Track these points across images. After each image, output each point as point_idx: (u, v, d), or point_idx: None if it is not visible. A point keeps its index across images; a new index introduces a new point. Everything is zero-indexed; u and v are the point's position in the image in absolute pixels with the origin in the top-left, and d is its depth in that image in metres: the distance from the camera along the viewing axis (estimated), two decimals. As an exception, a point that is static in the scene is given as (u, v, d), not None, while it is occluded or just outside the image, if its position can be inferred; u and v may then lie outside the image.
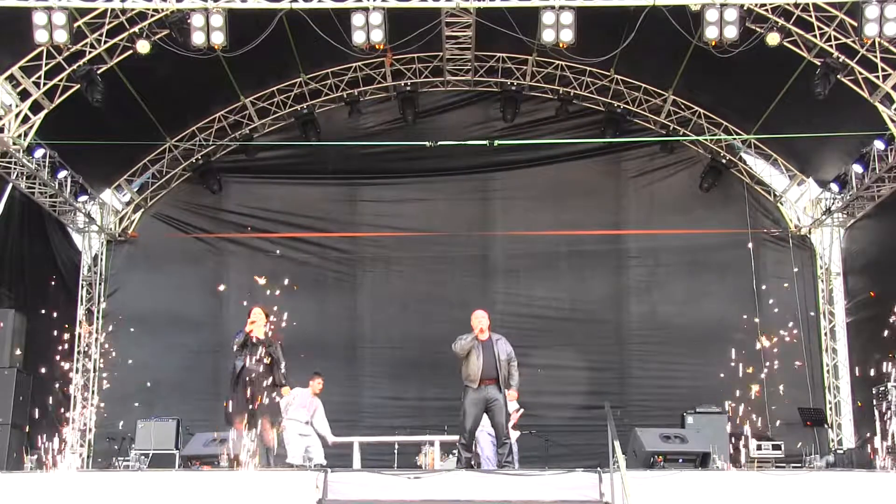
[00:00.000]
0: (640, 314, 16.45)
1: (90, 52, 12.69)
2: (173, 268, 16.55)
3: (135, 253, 16.73)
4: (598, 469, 8.92)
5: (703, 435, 11.93)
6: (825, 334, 16.39)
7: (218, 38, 11.44)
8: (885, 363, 12.89)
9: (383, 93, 16.81)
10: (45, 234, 15.40)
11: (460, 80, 16.67)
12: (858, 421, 15.38)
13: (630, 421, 13.69)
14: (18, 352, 12.51)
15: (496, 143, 15.56)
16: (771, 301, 16.27)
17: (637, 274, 16.61)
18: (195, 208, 16.86)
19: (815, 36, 12.47)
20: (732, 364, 15.54)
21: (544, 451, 13.85)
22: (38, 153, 14.10)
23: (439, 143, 15.31)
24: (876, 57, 12.25)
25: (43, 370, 13.81)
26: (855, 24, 11.47)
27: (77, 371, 15.94)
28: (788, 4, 11.98)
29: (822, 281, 16.60)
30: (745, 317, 16.11)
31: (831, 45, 12.42)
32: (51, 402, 14.42)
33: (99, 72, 12.82)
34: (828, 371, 16.21)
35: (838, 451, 14.73)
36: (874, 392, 13.13)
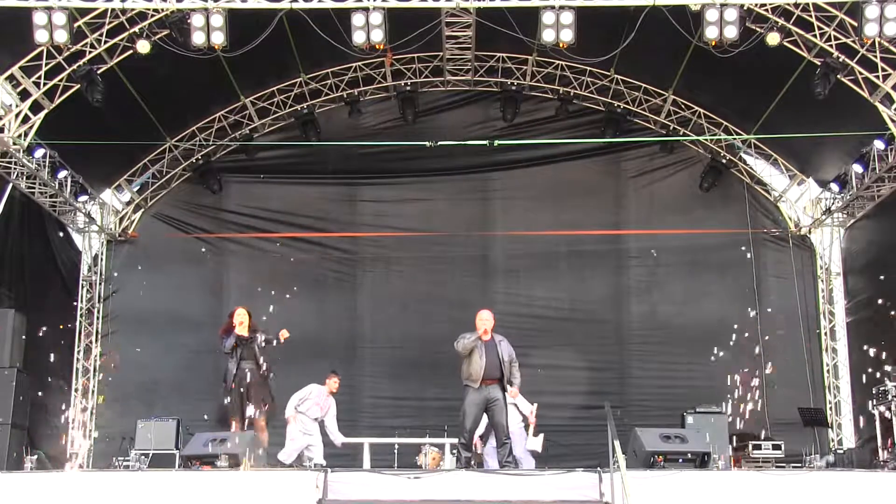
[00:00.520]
0: (640, 314, 16.45)
1: (90, 52, 12.68)
2: (173, 268, 16.54)
3: (135, 253, 16.72)
4: (598, 469, 8.93)
5: (703, 435, 11.90)
6: (825, 334, 16.39)
7: (218, 38, 11.43)
8: (885, 363, 12.91)
9: (383, 93, 16.81)
10: (45, 234, 15.40)
11: (460, 79, 16.67)
12: (858, 421, 15.38)
13: (630, 421, 13.67)
14: (18, 352, 12.51)
15: (496, 142, 15.57)
16: (771, 301, 16.30)
17: (637, 274, 16.61)
18: (195, 208, 16.85)
19: (815, 36, 12.47)
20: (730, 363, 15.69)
21: (544, 451, 13.83)
22: (38, 153, 14.09)
23: (439, 142, 15.31)
24: (876, 57, 12.25)
25: (43, 370, 13.81)
26: (855, 24, 11.46)
27: (77, 371, 15.94)
28: (788, 4, 11.98)
29: (822, 281, 16.60)
30: (745, 317, 16.14)
31: (831, 45, 12.41)
32: (51, 402, 14.43)
33: (99, 72, 12.82)
34: (828, 371, 16.21)
35: (838, 451, 14.73)
36: (874, 392, 13.13)
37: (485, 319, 10.40)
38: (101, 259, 16.60)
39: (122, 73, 13.47)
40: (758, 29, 12.18)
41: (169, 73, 13.52)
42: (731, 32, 11.38)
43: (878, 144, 14.13)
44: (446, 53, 15.80)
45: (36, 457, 12.34)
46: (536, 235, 16.46)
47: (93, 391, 16.10)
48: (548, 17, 11.37)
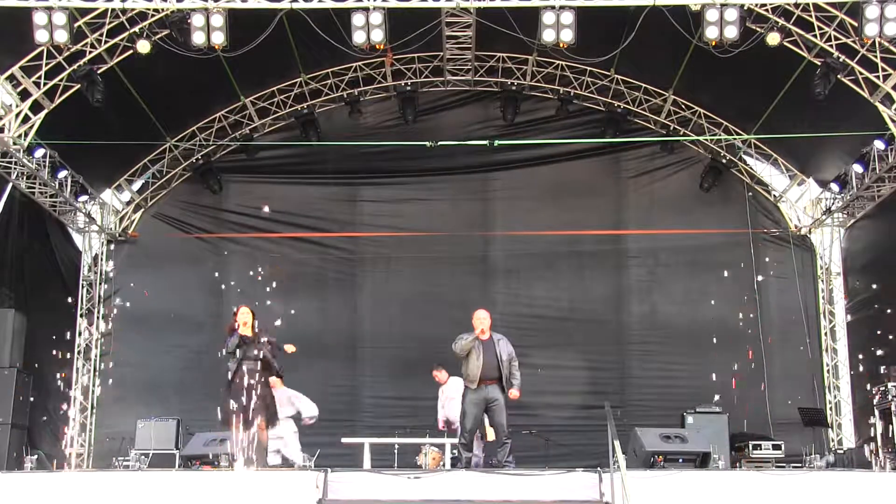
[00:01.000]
0: (640, 314, 16.45)
1: (90, 52, 12.68)
2: (173, 268, 16.54)
3: (135, 253, 16.71)
4: (598, 469, 8.93)
5: (703, 435, 11.93)
6: (825, 334, 16.38)
7: (218, 38, 11.43)
8: (885, 363, 12.92)
9: (383, 93, 16.80)
10: (45, 234, 15.40)
11: (460, 79, 16.67)
12: (859, 421, 15.39)
13: (630, 421, 13.68)
14: (18, 352, 12.52)
15: (496, 142, 15.56)
16: (771, 301, 16.30)
17: (637, 274, 16.60)
18: (195, 208, 16.84)
19: (815, 36, 12.47)
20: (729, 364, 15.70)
21: (544, 451, 13.86)
22: (39, 153, 14.09)
23: (439, 142, 15.30)
24: (876, 57, 12.25)
25: (43, 370, 13.82)
26: (855, 24, 11.46)
27: (77, 371, 15.94)
28: (788, 4, 11.97)
29: (822, 281, 16.59)
30: (745, 317, 16.15)
31: (831, 45, 12.41)
32: (50, 402, 14.45)
33: (99, 72, 12.82)
34: (828, 371, 16.21)
35: (838, 451, 14.73)
36: (874, 392, 13.13)
37: (481, 318, 10.40)
38: (101, 259, 16.60)
39: (122, 73, 13.47)
40: (758, 29, 12.18)
41: (169, 73, 13.52)
42: (732, 32, 11.38)
43: (878, 144, 14.13)
44: (446, 53, 15.80)
45: (36, 457, 12.35)
46: (536, 235, 16.46)
47: (93, 391, 16.10)
48: (548, 17, 11.37)
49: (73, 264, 16.27)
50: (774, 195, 16.84)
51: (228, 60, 13.47)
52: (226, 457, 10.24)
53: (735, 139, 16.34)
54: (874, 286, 14.93)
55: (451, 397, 12.59)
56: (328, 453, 12.74)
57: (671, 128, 16.52)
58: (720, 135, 16.36)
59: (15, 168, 13.80)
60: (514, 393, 10.42)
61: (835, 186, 15.78)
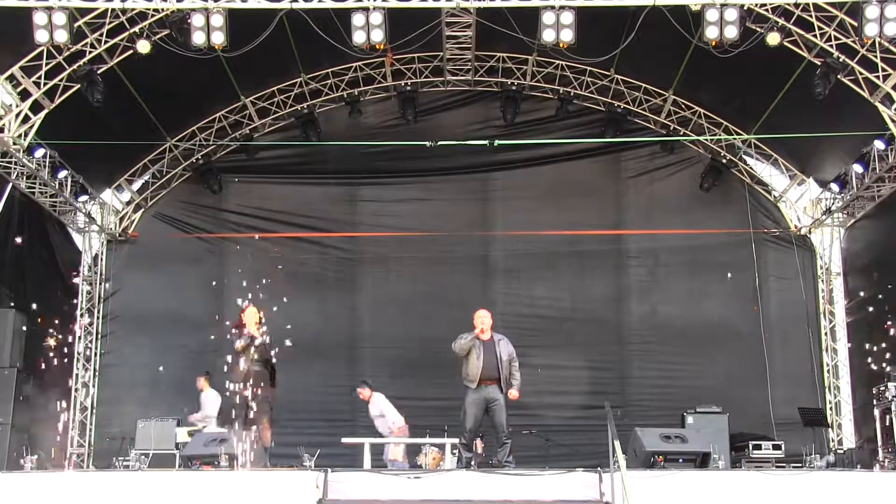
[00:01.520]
0: (641, 314, 16.45)
1: (90, 52, 12.68)
2: (173, 268, 16.55)
3: (135, 253, 16.72)
4: (598, 469, 8.93)
5: (704, 435, 11.91)
6: (825, 334, 16.38)
7: (218, 38, 11.43)
8: (885, 363, 12.92)
9: (383, 93, 16.80)
10: (45, 234, 15.40)
11: (460, 79, 16.67)
12: (859, 421, 15.40)
13: (630, 421, 13.69)
14: (18, 352, 12.52)
15: (496, 142, 15.56)
16: (771, 301, 16.31)
17: (637, 274, 16.60)
18: (195, 208, 16.85)
19: (815, 36, 12.46)
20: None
21: (544, 451, 13.86)
22: (39, 153, 14.08)
23: (439, 142, 15.30)
24: (876, 57, 12.24)
25: (43, 370, 13.81)
26: (855, 24, 11.46)
27: (77, 371, 15.93)
28: (788, 4, 11.97)
29: (823, 281, 16.59)
30: (745, 317, 16.15)
31: (831, 45, 12.41)
32: (51, 401, 14.43)
33: (99, 72, 12.82)
34: (828, 371, 16.21)
35: (838, 451, 14.73)
36: (874, 392, 13.13)
37: (481, 318, 10.43)
38: (101, 259, 16.60)
39: (122, 73, 13.47)
40: (758, 29, 12.17)
41: (169, 73, 13.52)
42: (732, 32, 11.37)
43: (878, 144, 14.12)
44: (446, 53, 15.80)
45: (36, 457, 12.34)
46: (536, 235, 16.46)
47: (93, 391, 16.10)
48: (548, 17, 11.36)
49: (73, 264, 16.27)
50: (774, 195, 16.84)
51: (228, 60, 13.47)
52: (226, 457, 10.23)
53: (735, 139, 16.34)
54: (874, 286, 14.92)
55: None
56: (328, 453, 12.70)
57: (671, 128, 16.52)
58: (720, 135, 16.36)
59: (15, 168, 13.80)
60: (513, 393, 10.43)
61: (835, 186, 15.78)
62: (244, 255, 16.53)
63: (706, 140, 16.47)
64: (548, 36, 11.46)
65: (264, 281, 15.66)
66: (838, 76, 12.58)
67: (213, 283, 16.28)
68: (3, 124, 12.74)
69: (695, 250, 16.41)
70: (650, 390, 15.96)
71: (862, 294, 15.50)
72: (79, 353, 16.07)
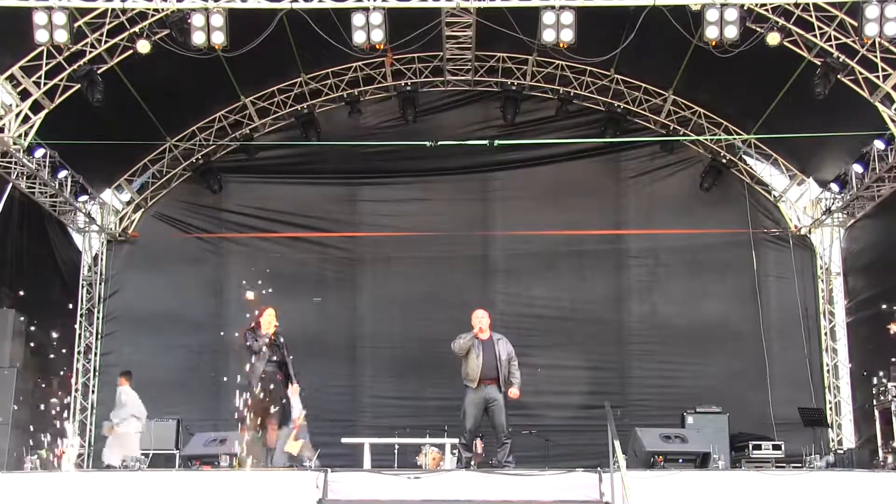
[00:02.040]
0: (641, 314, 16.45)
1: (90, 52, 12.68)
2: (173, 268, 16.55)
3: (135, 253, 16.72)
4: (598, 469, 8.93)
5: (703, 435, 11.93)
6: (825, 334, 16.38)
7: (218, 38, 11.42)
8: (885, 363, 12.91)
9: (383, 93, 16.80)
10: (45, 234, 15.40)
11: (460, 79, 16.68)
12: (859, 421, 15.40)
13: (630, 421, 13.68)
14: (18, 352, 12.52)
15: (496, 142, 15.55)
16: (771, 301, 16.31)
17: (637, 274, 16.61)
18: (195, 208, 16.85)
19: (815, 36, 12.47)
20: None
21: (544, 451, 13.86)
22: (39, 153, 14.09)
23: (439, 142, 15.29)
24: (876, 57, 12.24)
25: (43, 370, 13.81)
26: (855, 24, 11.46)
27: (77, 371, 15.94)
28: (788, 4, 11.97)
29: (822, 281, 16.59)
30: (745, 316, 16.15)
31: (831, 45, 12.41)
32: (51, 401, 14.43)
33: (99, 72, 12.82)
34: (828, 371, 16.21)
35: (838, 451, 14.73)
36: (874, 392, 13.13)
37: (479, 318, 10.43)
38: (101, 259, 16.61)
39: (122, 73, 13.47)
40: (758, 29, 12.17)
41: (169, 73, 13.52)
42: (732, 32, 11.37)
43: (878, 144, 14.12)
44: (446, 53, 15.80)
45: (36, 457, 12.34)
46: (536, 235, 16.46)
47: (93, 391, 16.10)
48: (548, 17, 11.36)
49: (73, 264, 16.28)
50: (774, 195, 16.84)
51: (228, 60, 13.46)
52: (226, 457, 10.24)
53: (735, 139, 16.34)
54: (874, 286, 14.93)
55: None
56: (328, 453, 12.73)
57: (671, 128, 16.53)
58: (720, 135, 16.36)
59: (15, 168, 13.80)
60: (514, 392, 10.42)
61: (835, 186, 15.78)
62: (244, 255, 16.54)
63: (706, 140, 16.47)
64: (548, 36, 11.46)
65: (264, 281, 15.75)
66: (838, 76, 12.58)
67: (213, 283, 16.31)
68: (3, 124, 12.74)
69: (695, 250, 16.41)
70: (650, 390, 15.96)
71: (862, 294, 15.51)
72: (79, 353, 16.07)
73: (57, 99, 12.96)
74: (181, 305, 16.30)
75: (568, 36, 11.40)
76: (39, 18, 11.13)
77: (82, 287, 16.37)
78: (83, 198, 15.85)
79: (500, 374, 10.32)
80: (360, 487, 8.89)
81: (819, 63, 12.63)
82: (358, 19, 11.38)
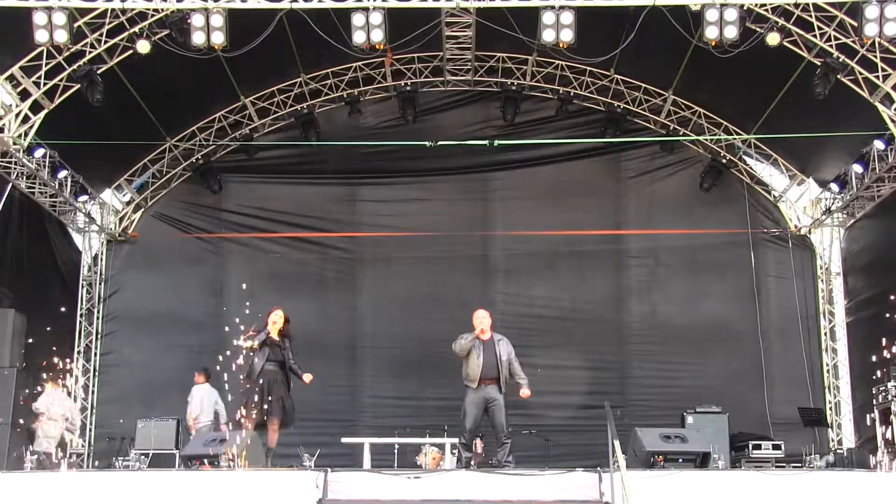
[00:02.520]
0: (641, 314, 16.46)
1: (90, 52, 12.68)
2: (173, 268, 16.56)
3: (135, 253, 16.72)
4: (598, 469, 8.92)
5: (704, 435, 11.92)
6: (825, 334, 16.39)
7: (218, 38, 11.43)
8: (885, 363, 12.90)
9: (383, 93, 16.81)
10: (45, 234, 15.39)
11: (460, 79, 16.68)
12: (858, 421, 15.39)
13: (630, 421, 13.67)
14: (18, 352, 12.51)
15: (496, 142, 15.56)
16: (771, 301, 16.31)
17: (637, 274, 16.61)
18: (195, 208, 16.85)
19: (815, 36, 12.47)
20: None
21: (544, 451, 13.86)
22: (38, 153, 14.10)
23: (439, 142, 15.30)
24: (876, 57, 12.25)
25: (43, 370, 13.80)
26: (855, 24, 11.46)
27: (77, 371, 15.93)
28: (788, 4, 11.97)
29: (822, 281, 16.60)
30: (745, 317, 16.15)
31: (831, 45, 12.41)
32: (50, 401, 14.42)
33: (99, 72, 12.82)
34: (828, 371, 16.22)
35: (838, 451, 14.73)
36: (874, 392, 13.13)
37: (480, 318, 10.43)
38: (101, 259, 16.61)
39: (122, 73, 13.47)
40: (758, 29, 12.18)
41: (169, 73, 13.52)
42: (731, 32, 11.37)
43: (878, 144, 14.13)
44: (446, 53, 15.80)
45: (36, 457, 12.34)
46: (536, 235, 16.46)
47: (93, 391, 16.10)
48: (548, 17, 11.36)
49: (73, 264, 16.28)
50: (774, 195, 16.84)
51: (228, 60, 13.46)
52: (226, 457, 10.23)
53: (735, 139, 16.34)
54: (874, 286, 14.92)
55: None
56: (328, 453, 12.74)
57: (671, 128, 16.53)
58: (720, 135, 16.36)
59: (15, 168, 13.80)
60: (524, 392, 10.41)
61: (835, 186, 15.78)
62: (244, 255, 16.54)
63: (706, 140, 16.47)
64: (548, 36, 11.46)
65: (264, 281, 15.77)
66: (838, 76, 12.59)
67: (213, 283, 16.31)
68: (3, 124, 12.74)
69: (695, 250, 16.41)
70: (650, 390, 15.97)
71: (862, 294, 15.50)
72: (79, 354, 16.07)
73: (57, 99, 12.96)
74: (181, 305, 16.30)
75: (568, 36, 11.40)
76: (39, 18, 11.13)
77: (82, 287, 16.38)
78: (83, 198, 15.85)
79: (500, 375, 10.32)
80: (360, 487, 8.88)
81: (819, 63, 12.63)
82: (358, 19, 11.39)
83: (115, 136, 14.16)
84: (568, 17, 11.32)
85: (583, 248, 16.55)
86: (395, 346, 16.24)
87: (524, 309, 16.28)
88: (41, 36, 11.23)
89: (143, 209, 16.86)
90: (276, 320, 10.52)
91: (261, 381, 10.19)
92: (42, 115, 13.00)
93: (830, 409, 15.98)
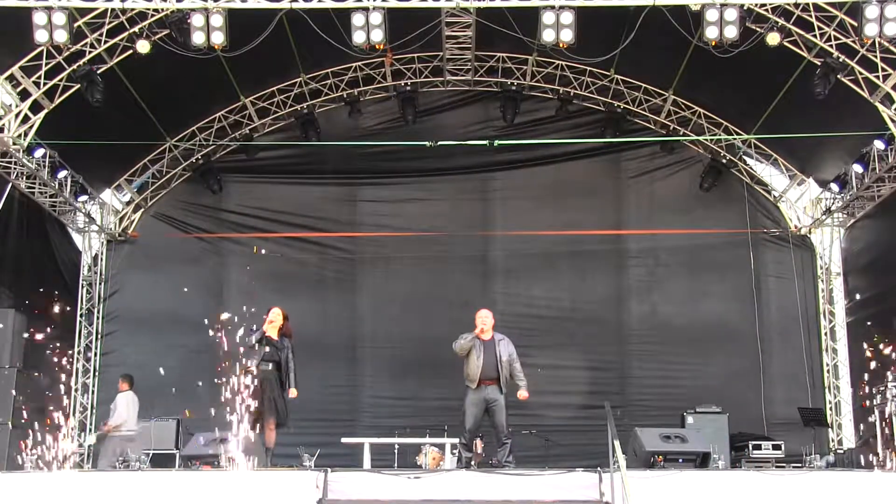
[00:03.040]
0: (640, 314, 16.45)
1: (90, 52, 12.68)
2: (173, 268, 16.55)
3: (135, 253, 16.72)
4: (598, 469, 8.92)
5: (703, 435, 11.92)
6: (825, 334, 16.38)
7: (218, 38, 11.43)
8: (885, 363, 12.90)
9: (383, 93, 16.80)
10: (45, 234, 15.39)
11: (460, 79, 16.68)
12: (858, 421, 15.38)
13: (630, 421, 13.69)
14: (18, 352, 12.50)
15: (496, 143, 15.56)
16: (771, 301, 16.31)
17: (637, 274, 16.61)
18: (195, 208, 16.85)
19: (815, 36, 12.47)
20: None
21: (544, 451, 13.86)
22: (38, 153, 14.09)
23: (439, 142, 15.30)
24: (876, 57, 12.25)
25: (43, 370, 13.80)
26: (855, 24, 11.46)
27: (77, 371, 15.93)
28: (788, 4, 11.97)
29: (822, 281, 16.60)
30: (744, 317, 16.15)
31: (831, 45, 12.41)
32: (50, 402, 14.41)
33: (99, 72, 12.82)
34: (828, 371, 16.21)
35: (838, 451, 14.73)
36: (874, 392, 13.12)
37: (482, 318, 10.42)
38: (101, 259, 16.61)
39: (122, 73, 13.47)
40: (758, 29, 12.18)
41: (169, 73, 13.53)
42: (731, 32, 11.37)
43: (878, 144, 14.12)
44: (446, 53, 15.80)
45: (36, 457, 12.33)
46: (536, 235, 16.45)
47: (93, 391, 16.10)
48: (548, 17, 11.36)
49: (73, 264, 16.27)
50: (774, 195, 16.84)
51: (228, 60, 13.46)
52: (226, 457, 10.22)
53: (735, 139, 16.34)
54: (874, 286, 14.91)
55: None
56: (328, 453, 12.73)
57: (671, 128, 16.53)
58: (720, 135, 16.36)
59: (15, 168, 13.80)
60: (522, 394, 10.41)
61: (835, 186, 15.78)
62: (244, 255, 16.54)
63: (706, 140, 16.47)
64: (548, 36, 11.46)
65: (264, 281, 15.76)
66: (838, 76, 12.58)
67: (213, 283, 16.31)
68: (3, 124, 12.74)
69: (694, 250, 16.41)
70: (650, 390, 15.97)
71: (861, 295, 15.50)
72: (79, 353, 16.07)
73: (57, 99, 12.96)
74: (181, 305, 16.28)
75: (568, 36, 11.40)
76: (39, 18, 11.13)
77: (82, 287, 16.38)
78: (83, 198, 15.85)
79: (500, 375, 10.31)
80: (360, 487, 8.88)
81: (819, 63, 12.63)
82: (358, 19, 11.39)
83: (114, 137, 14.15)
84: (568, 17, 11.32)
85: (583, 248, 16.55)
86: (395, 346, 16.24)
87: (524, 309, 16.27)
88: (41, 36, 11.23)
89: (143, 209, 16.86)
90: (273, 319, 10.47)
91: (255, 382, 10.14)
92: (42, 115, 12.99)
93: (830, 409, 15.98)
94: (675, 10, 11.58)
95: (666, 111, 16.50)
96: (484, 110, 16.88)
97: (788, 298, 16.20)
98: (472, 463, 10.72)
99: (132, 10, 12.13)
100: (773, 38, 12.15)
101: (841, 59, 12.46)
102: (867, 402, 13.20)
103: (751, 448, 13.71)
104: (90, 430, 15.81)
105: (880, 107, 12.73)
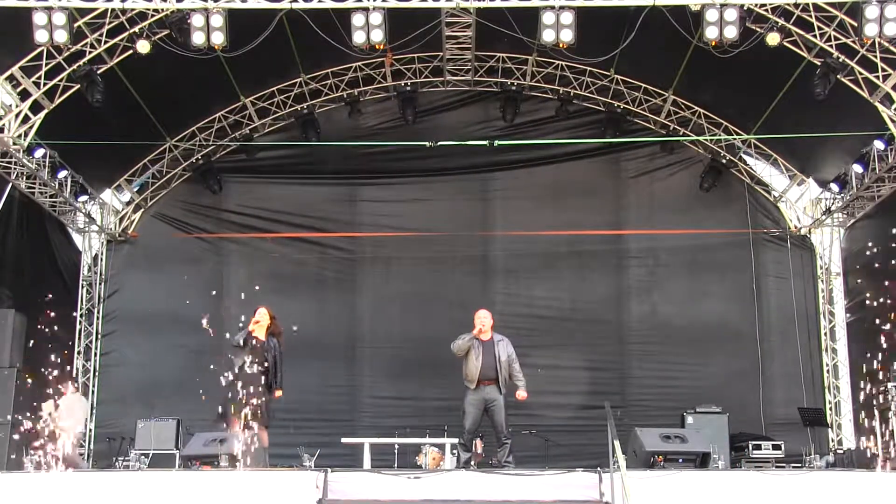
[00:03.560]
0: (640, 314, 16.45)
1: (90, 52, 12.69)
2: (173, 268, 16.55)
3: (135, 253, 16.73)
4: (598, 469, 8.91)
5: (703, 435, 11.92)
6: (825, 334, 16.39)
7: (218, 38, 11.43)
8: (885, 363, 12.90)
9: (383, 93, 16.81)
10: (45, 234, 15.40)
11: (460, 80, 16.68)
12: (858, 421, 15.38)
13: (630, 421, 13.66)
14: (18, 352, 12.51)
15: (496, 143, 15.57)
16: (771, 301, 16.31)
17: (637, 274, 16.61)
18: (195, 208, 16.86)
19: (815, 36, 12.47)
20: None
21: (544, 451, 13.86)
22: (38, 153, 14.10)
23: (439, 143, 15.32)
24: (876, 57, 12.25)
25: (43, 370, 13.80)
26: (855, 24, 11.46)
27: (77, 371, 15.94)
28: (788, 4, 11.97)
29: (822, 281, 16.60)
30: (744, 317, 16.15)
31: (831, 45, 12.42)
32: (51, 401, 14.41)
33: (99, 72, 12.83)
34: (828, 371, 16.22)
35: (838, 451, 14.73)
36: (874, 392, 13.11)
37: (481, 318, 10.41)
38: (101, 259, 16.62)
39: (122, 73, 13.47)
40: (758, 29, 12.18)
41: (169, 73, 13.53)
42: (731, 32, 11.37)
43: (878, 144, 14.13)
44: (446, 53, 15.80)
45: (36, 457, 12.33)
46: (536, 235, 16.46)
47: (92, 391, 16.10)
48: (548, 18, 11.36)
49: (73, 264, 16.28)
50: (774, 195, 16.85)
51: (228, 60, 13.46)
52: (226, 457, 10.22)
53: (735, 139, 16.35)
54: (874, 286, 14.90)
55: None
56: (328, 453, 12.75)
57: (671, 128, 16.53)
58: (720, 135, 16.36)
59: (15, 168, 13.81)
60: (521, 394, 10.41)
61: (835, 186, 15.79)
62: (244, 255, 16.55)
63: (706, 140, 16.47)
64: (548, 36, 11.46)
65: (264, 281, 15.75)
66: (838, 76, 12.58)
67: (213, 283, 16.29)
68: (3, 124, 12.75)
69: (694, 250, 16.42)
70: (650, 390, 15.97)
71: (862, 294, 15.48)
72: (79, 354, 16.07)
73: (57, 99, 12.97)
74: (181, 305, 16.23)
75: (568, 36, 11.40)
76: (39, 18, 11.13)
77: (82, 287, 16.38)
78: (83, 198, 15.85)
79: (499, 376, 10.31)
80: (360, 487, 8.88)
81: (819, 63, 12.63)
82: (358, 19, 11.39)
83: (115, 137, 14.15)
84: (568, 17, 11.32)
85: (583, 248, 16.56)
86: (395, 346, 16.24)
87: (524, 309, 16.27)
88: (41, 36, 11.23)
89: (143, 209, 16.87)
90: (259, 319, 10.34)
91: (239, 384, 10.03)
92: (42, 115, 13.00)
93: (830, 409, 15.98)
94: (675, 10, 11.58)
95: (666, 111, 16.51)
96: (484, 110, 16.88)
97: (788, 298, 16.21)
98: (472, 463, 10.72)
99: (132, 10, 12.13)
100: (772, 39, 12.15)
101: (841, 60, 12.46)
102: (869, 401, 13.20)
103: (751, 448, 13.72)
104: (90, 430, 15.81)
105: (880, 107, 12.73)
